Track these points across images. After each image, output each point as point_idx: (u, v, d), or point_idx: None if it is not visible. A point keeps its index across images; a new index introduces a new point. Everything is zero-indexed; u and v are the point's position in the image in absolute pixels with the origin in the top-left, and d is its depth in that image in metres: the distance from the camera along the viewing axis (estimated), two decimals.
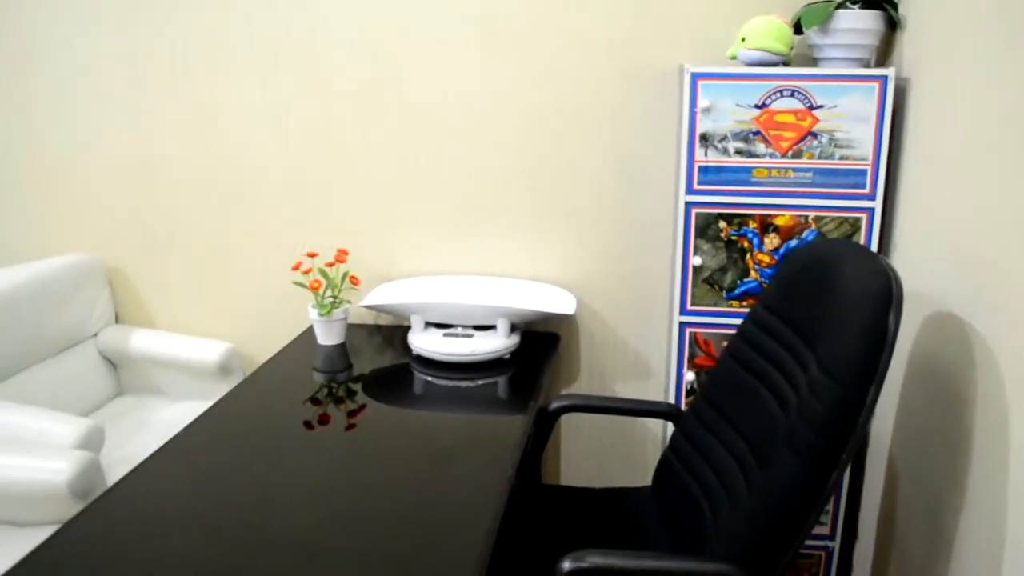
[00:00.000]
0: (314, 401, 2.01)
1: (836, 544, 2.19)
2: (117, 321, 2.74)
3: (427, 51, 2.33)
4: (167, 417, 2.51)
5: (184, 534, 1.45)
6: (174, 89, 2.51)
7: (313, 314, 2.30)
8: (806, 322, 1.52)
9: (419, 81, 2.36)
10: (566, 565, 1.35)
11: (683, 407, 2.14)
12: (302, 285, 2.36)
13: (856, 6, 1.92)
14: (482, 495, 1.56)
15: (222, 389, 2.56)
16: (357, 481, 1.63)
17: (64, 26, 2.52)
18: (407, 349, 2.30)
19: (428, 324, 2.29)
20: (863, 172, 1.95)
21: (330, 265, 2.37)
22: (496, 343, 2.19)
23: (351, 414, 1.94)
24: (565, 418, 2.59)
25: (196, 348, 2.56)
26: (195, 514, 1.51)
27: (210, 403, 2.54)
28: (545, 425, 1.99)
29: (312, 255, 2.41)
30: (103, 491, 1.92)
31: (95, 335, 2.65)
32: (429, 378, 2.14)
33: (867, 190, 1.96)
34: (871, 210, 1.97)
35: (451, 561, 1.37)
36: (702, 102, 1.97)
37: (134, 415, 2.53)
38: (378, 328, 2.51)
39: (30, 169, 2.69)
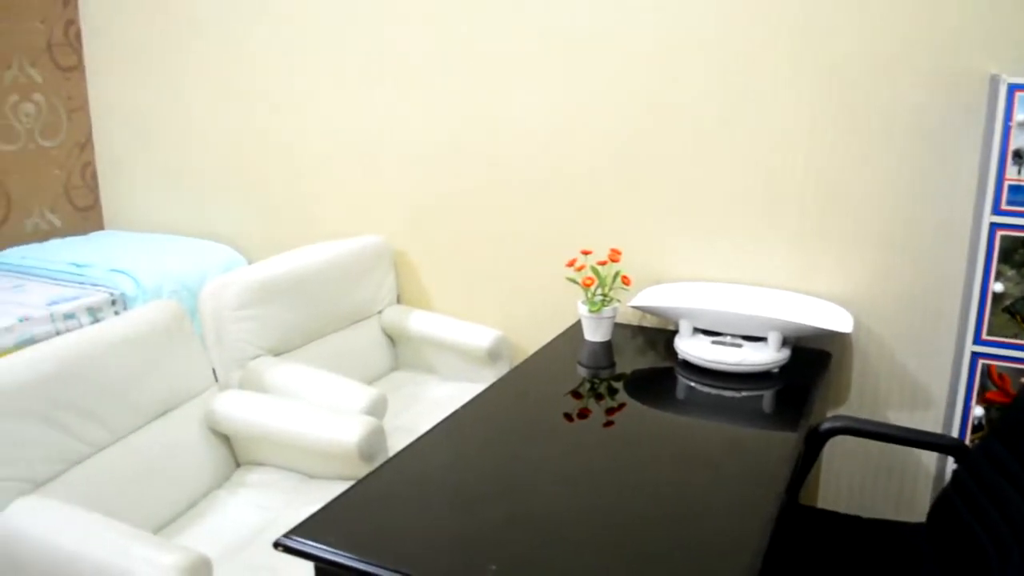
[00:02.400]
0: (575, 395, 2.07)
1: None
2: (399, 302, 2.96)
3: (718, 59, 2.32)
4: (438, 395, 2.68)
5: (447, 507, 1.54)
6: (468, 83, 2.67)
7: (583, 310, 2.37)
8: None
9: (706, 87, 2.35)
10: None
11: (967, 443, 1.99)
12: (574, 281, 2.43)
13: None
14: (747, 510, 1.53)
15: (489, 373, 2.69)
16: (612, 477, 1.66)
17: (359, 24, 2.76)
18: (671, 352, 2.31)
19: (696, 330, 2.28)
20: None
21: (602, 264, 2.42)
22: (766, 355, 2.14)
23: (610, 411, 1.98)
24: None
25: (468, 333, 2.71)
26: (457, 490, 1.60)
27: (477, 385, 2.67)
28: (814, 445, 1.92)
29: (586, 252, 2.47)
30: (384, 455, 2.10)
31: (380, 312, 2.88)
32: (693, 384, 2.13)
33: None
34: None
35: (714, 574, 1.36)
36: (1019, 115, 1.81)
37: (408, 389, 2.72)
38: (642, 329, 2.54)
39: (334, 157, 2.98)
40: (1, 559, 1.69)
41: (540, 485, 1.63)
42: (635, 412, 1.97)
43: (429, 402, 2.63)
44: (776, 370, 2.18)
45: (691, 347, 2.21)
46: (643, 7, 2.38)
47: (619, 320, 2.53)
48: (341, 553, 1.39)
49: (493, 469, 1.69)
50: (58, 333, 2.60)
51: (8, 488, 1.74)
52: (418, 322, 2.80)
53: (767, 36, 2.26)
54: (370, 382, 2.74)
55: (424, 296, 2.94)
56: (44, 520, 1.68)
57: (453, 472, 1.67)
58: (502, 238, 2.75)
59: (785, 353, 2.18)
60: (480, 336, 2.69)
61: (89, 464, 1.92)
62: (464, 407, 1.95)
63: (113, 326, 2.06)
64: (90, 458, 1.93)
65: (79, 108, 3.53)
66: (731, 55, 2.32)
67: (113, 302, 2.77)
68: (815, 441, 1.91)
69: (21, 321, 2.53)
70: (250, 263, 3.22)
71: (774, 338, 2.16)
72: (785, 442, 1.80)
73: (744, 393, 2.07)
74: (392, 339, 2.89)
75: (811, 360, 2.28)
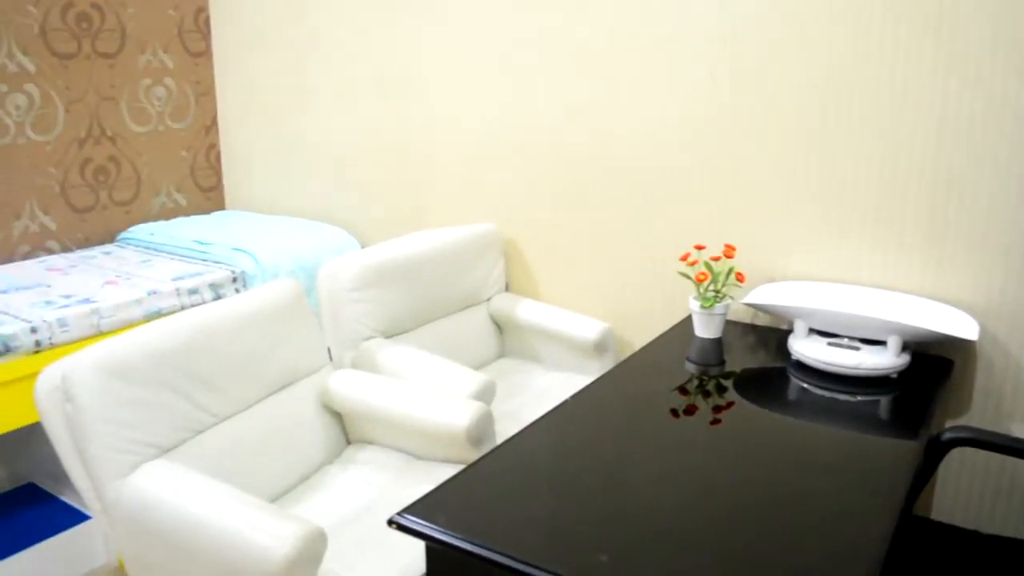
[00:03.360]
0: (682, 391, 2.05)
1: None
2: (507, 290, 2.99)
3: (839, 52, 2.25)
4: (543, 383, 2.69)
5: (552, 496, 1.55)
6: (581, 73, 2.67)
7: (694, 305, 2.34)
8: None
9: (827, 82, 2.29)
10: None
11: None
12: (687, 276, 2.40)
13: None
14: (863, 520, 1.49)
15: (594, 365, 2.69)
16: (718, 476, 1.64)
17: (478, 13, 2.78)
18: (784, 352, 2.26)
19: (811, 331, 2.23)
20: None
21: (716, 259, 2.39)
22: (885, 359, 2.08)
23: (718, 409, 1.95)
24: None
25: (575, 324, 2.71)
26: (563, 481, 1.61)
27: (582, 376, 2.68)
28: (933, 455, 1.86)
29: (700, 247, 2.45)
30: (491, 440, 2.12)
31: (488, 299, 2.91)
32: (806, 385, 2.08)
33: None
34: None
35: None
36: None
37: (513, 377, 2.75)
38: (753, 327, 2.49)
39: (448, 145, 3.02)
40: (129, 518, 1.79)
41: (644, 480, 1.62)
42: (744, 411, 1.94)
43: (534, 391, 2.65)
44: (895, 375, 2.11)
45: (806, 348, 2.16)
46: (758, 4, 2.34)
47: (730, 317, 2.49)
48: (451, 534, 1.42)
49: (598, 462, 1.70)
50: (183, 307, 2.72)
51: (138, 452, 1.83)
52: (526, 311, 2.82)
53: (900, 30, 2.19)
54: (476, 368, 2.78)
55: (532, 285, 2.96)
56: (170, 484, 1.77)
57: (559, 462, 1.68)
58: (613, 230, 2.74)
59: (905, 358, 2.11)
60: (587, 327, 2.69)
61: (211, 433, 2.01)
62: (572, 398, 1.96)
63: (238, 302, 2.14)
64: (212, 428, 2.02)
65: (206, 92, 3.68)
66: (854, 48, 2.25)
67: (234, 279, 2.88)
68: (935, 451, 1.85)
69: (149, 294, 2.65)
70: (363, 246, 3.30)
71: (894, 342, 2.09)
72: (904, 450, 1.74)
73: (860, 398, 2.01)
74: (499, 326, 2.92)
75: (932, 367, 2.20)
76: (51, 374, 1.81)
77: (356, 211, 3.36)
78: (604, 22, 2.60)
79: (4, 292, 2.66)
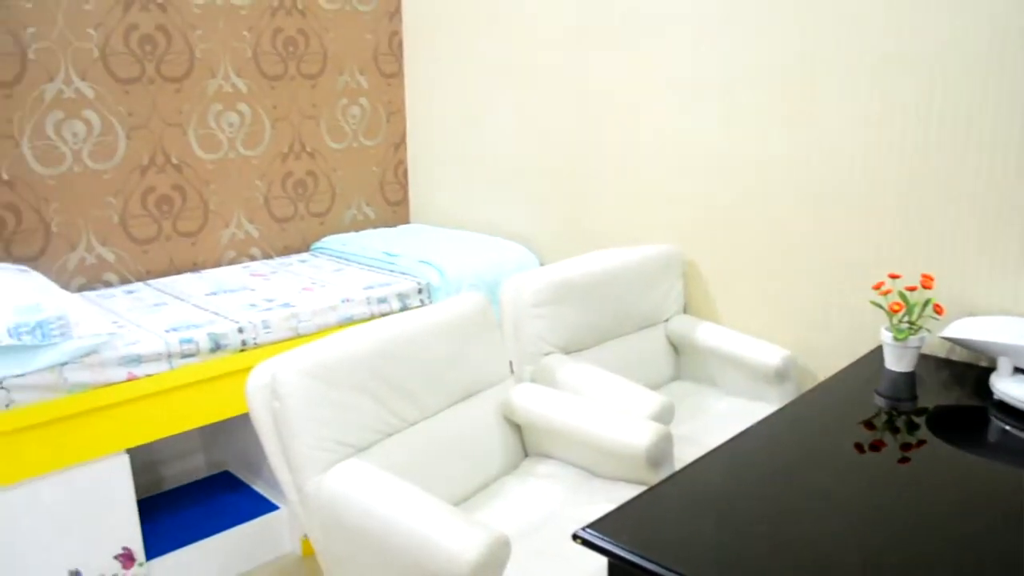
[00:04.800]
0: (869, 425, 1.97)
1: None
2: (685, 311, 2.97)
3: None
4: (720, 408, 2.65)
5: (733, 523, 1.53)
6: (771, 94, 2.63)
7: (886, 337, 2.25)
8: None
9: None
10: None
11: None
12: (879, 306, 2.31)
13: None
14: None
15: (773, 392, 2.63)
16: (903, 517, 1.56)
17: (661, 35, 2.79)
18: (983, 391, 2.13)
19: (1017, 369, 2.09)
20: None
21: (911, 289, 2.29)
22: None
23: (907, 447, 1.86)
24: None
25: (756, 349, 2.65)
26: (744, 508, 1.59)
27: (760, 403, 2.63)
28: None
29: (895, 276, 2.35)
30: (670, 462, 2.12)
31: (666, 321, 2.90)
32: (1009, 428, 1.96)
33: None
34: None
35: None
36: None
37: (690, 400, 2.72)
38: (948, 362, 2.36)
39: (628, 165, 3.04)
40: (324, 512, 1.89)
41: (825, 514, 1.57)
42: (937, 451, 1.85)
43: (711, 415, 2.61)
44: None
45: (1011, 387, 2.03)
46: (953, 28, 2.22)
47: (924, 351, 2.38)
48: (635, 552, 1.43)
49: (776, 494, 1.66)
50: (372, 315, 2.86)
51: (335, 450, 1.94)
52: (705, 333, 2.79)
53: None
54: (652, 389, 2.76)
55: (711, 308, 2.93)
56: (364, 483, 1.86)
57: (740, 489, 1.66)
58: (799, 254, 2.67)
59: None
60: (768, 354, 2.63)
61: (399, 437, 2.10)
62: (755, 425, 1.92)
63: (430, 313, 2.24)
64: (400, 432, 2.11)
65: (396, 111, 3.86)
66: None
67: (419, 290, 3.01)
68: None
69: (343, 302, 2.81)
70: (542, 263, 3.36)
71: None
72: None
73: None
74: (676, 348, 2.90)
75: None
76: (262, 372, 1.95)
77: (534, 227, 3.42)
78: (793, 47, 2.55)
79: (214, 294, 2.88)
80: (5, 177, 2.78)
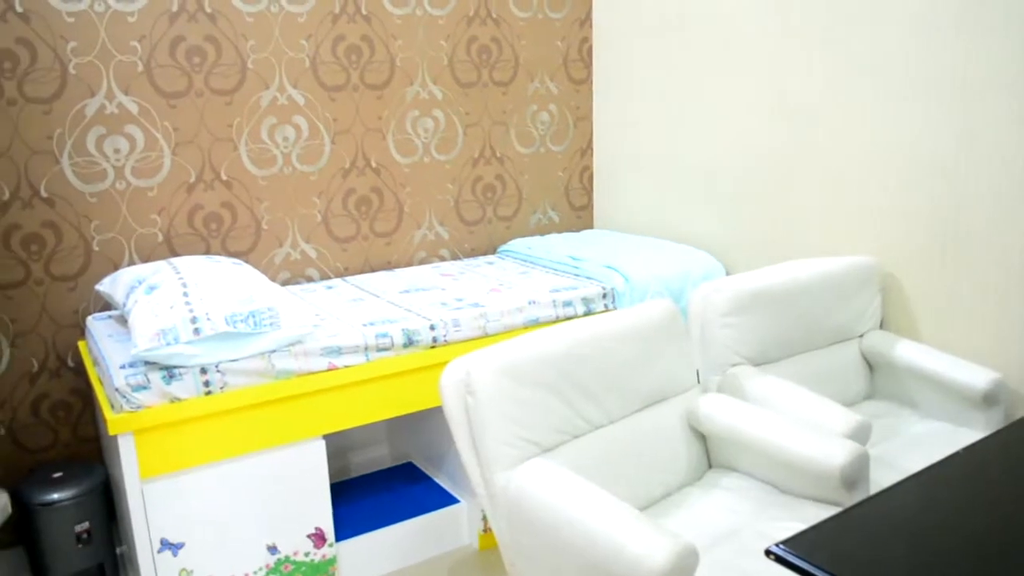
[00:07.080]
0: None
1: None
2: (881, 326, 2.83)
3: None
4: (918, 431, 2.51)
5: (930, 552, 1.46)
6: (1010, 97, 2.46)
7: None
8: None
9: None
10: None
11: None
12: None
13: None
14: None
15: (978, 418, 2.46)
16: None
17: (857, 29, 2.66)
18: None
19: None
20: None
21: None
22: None
23: None
24: None
25: (961, 370, 2.49)
26: (934, 541, 1.51)
27: (962, 428, 2.48)
28: None
29: None
30: (865, 484, 2.03)
31: (861, 336, 2.78)
32: None
33: None
34: None
35: None
36: None
37: (885, 420, 2.59)
38: None
39: (823, 173, 2.92)
40: (511, 507, 1.94)
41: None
42: None
43: (907, 437, 2.47)
44: None
45: None
46: None
47: None
48: (830, 573, 1.38)
49: (981, 527, 1.55)
50: (557, 318, 2.90)
51: (524, 447, 1.99)
52: (903, 351, 2.64)
53: None
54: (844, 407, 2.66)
55: (911, 324, 2.77)
56: (552, 482, 1.89)
57: (939, 519, 1.56)
58: (1015, 265, 2.47)
59: None
60: (974, 375, 2.46)
61: (585, 439, 2.12)
62: (959, 452, 1.80)
63: (619, 318, 2.25)
64: (586, 434, 2.13)
65: (584, 117, 3.90)
66: None
67: (604, 295, 3.02)
68: None
69: (530, 304, 2.86)
70: (728, 272, 3.30)
71: None
72: None
73: None
74: (871, 365, 2.77)
75: None
76: (456, 369, 2.03)
77: (721, 235, 3.36)
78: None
79: (407, 292, 3.01)
80: (224, 178, 3.02)
